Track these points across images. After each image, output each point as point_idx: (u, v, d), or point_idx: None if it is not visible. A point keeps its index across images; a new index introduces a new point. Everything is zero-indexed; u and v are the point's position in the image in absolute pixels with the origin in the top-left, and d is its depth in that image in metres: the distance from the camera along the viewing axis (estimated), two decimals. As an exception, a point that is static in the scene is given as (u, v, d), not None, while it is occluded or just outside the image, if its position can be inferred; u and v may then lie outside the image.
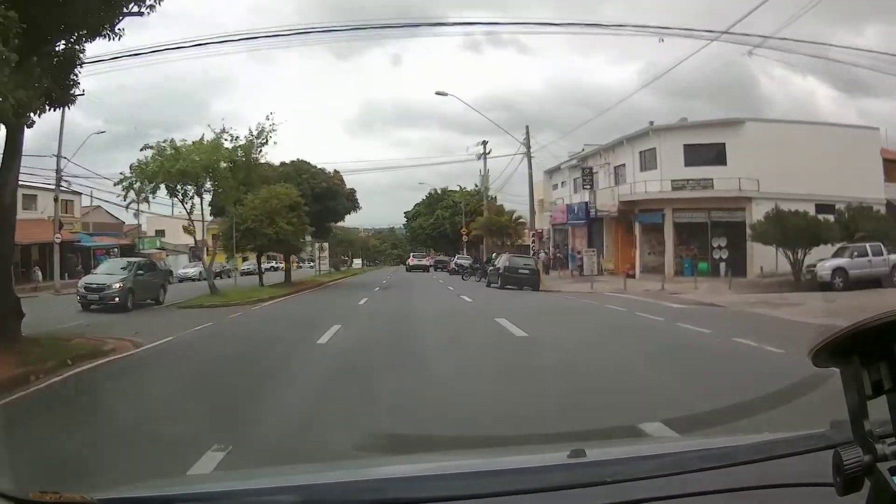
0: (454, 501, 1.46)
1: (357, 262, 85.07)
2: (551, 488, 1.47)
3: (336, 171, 39.93)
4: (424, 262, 60.97)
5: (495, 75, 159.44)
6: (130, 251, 41.87)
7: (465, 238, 56.81)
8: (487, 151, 49.28)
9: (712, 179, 31.15)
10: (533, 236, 39.57)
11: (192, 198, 24.87)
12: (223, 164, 24.18)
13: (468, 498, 1.46)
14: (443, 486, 1.57)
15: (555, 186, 48.93)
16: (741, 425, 4.32)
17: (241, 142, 24.84)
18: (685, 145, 33.00)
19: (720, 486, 1.40)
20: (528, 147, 37.20)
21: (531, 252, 37.76)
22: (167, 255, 51.37)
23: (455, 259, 51.05)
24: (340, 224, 57.01)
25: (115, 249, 44.82)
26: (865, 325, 0.94)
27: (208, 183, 24.65)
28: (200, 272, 46.15)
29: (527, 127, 37.38)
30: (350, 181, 43.30)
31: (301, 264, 74.18)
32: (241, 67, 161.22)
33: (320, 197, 36.38)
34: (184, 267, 48.09)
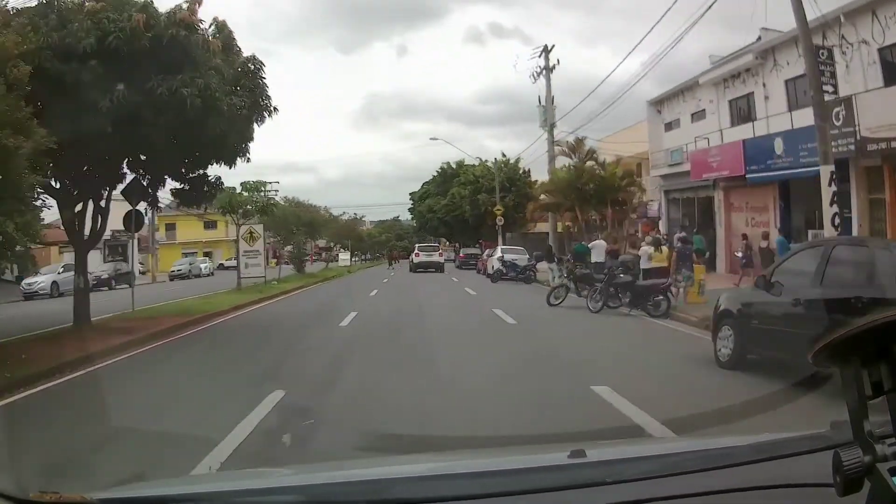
0: (454, 502, 1.46)
1: (344, 257, 63.18)
2: (551, 488, 1.47)
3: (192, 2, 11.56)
4: (436, 256, 41.58)
5: (498, 67, 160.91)
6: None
7: (499, 221, 39.52)
8: (551, 66, 30.05)
9: None
10: None
11: None
12: None
13: (468, 498, 1.46)
14: (443, 486, 1.57)
15: (668, 127, 28.11)
16: (741, 426, 4.32)
17: None
18: None
19: (720, 486, 1.40)
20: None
21: None
22: (60, 254, 34.80)
23: (496, 253, 30.83)
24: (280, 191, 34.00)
25: None
26: (865, 325, 0.95)
27: None
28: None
29: None
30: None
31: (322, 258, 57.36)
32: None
33: (116, 59, 10.54)
34: (32, 275, 29.65)
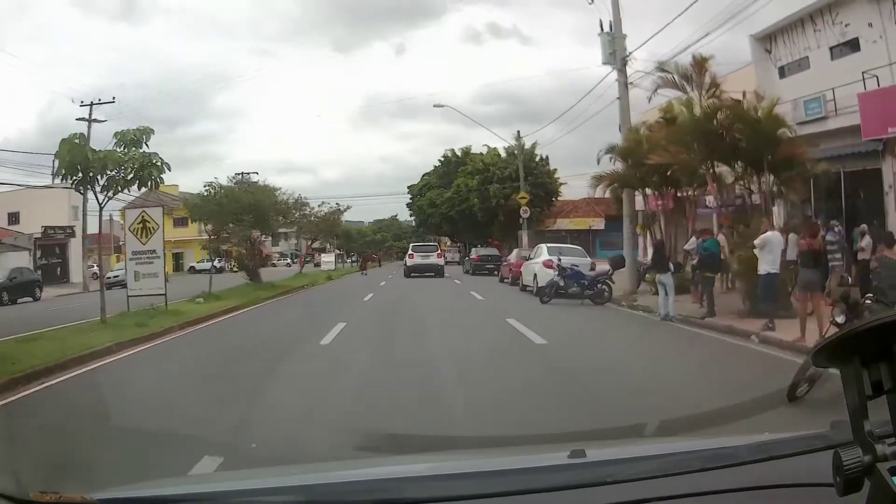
0: (454, 502, 1.46)
1: (328, 259, 51.84)
2: (551, 489, 1.47)
3: None
4: (434, 258, 34.34)
5: (498, 67, 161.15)
6: None
7: (523, 212, 31.98)
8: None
9: None
10: None
11: None
12: None
13: (468, 498, 1.46)
14: (443, 487, 1.57)
15: (783, 72, 20.03)
16: (741, 425, 4.32)
17: None
18: None
19: (720, 486, 1.41)
20: None
21: None
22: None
23: (540, 255, 20.43)
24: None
25: None
26: (866, 325, 0.95)
27: None
28: None
29: None
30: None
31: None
32: (244, 62, 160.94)
33: None
34: None
